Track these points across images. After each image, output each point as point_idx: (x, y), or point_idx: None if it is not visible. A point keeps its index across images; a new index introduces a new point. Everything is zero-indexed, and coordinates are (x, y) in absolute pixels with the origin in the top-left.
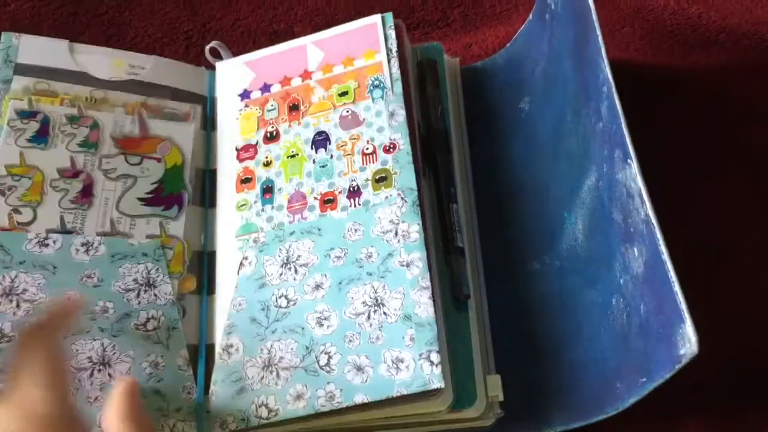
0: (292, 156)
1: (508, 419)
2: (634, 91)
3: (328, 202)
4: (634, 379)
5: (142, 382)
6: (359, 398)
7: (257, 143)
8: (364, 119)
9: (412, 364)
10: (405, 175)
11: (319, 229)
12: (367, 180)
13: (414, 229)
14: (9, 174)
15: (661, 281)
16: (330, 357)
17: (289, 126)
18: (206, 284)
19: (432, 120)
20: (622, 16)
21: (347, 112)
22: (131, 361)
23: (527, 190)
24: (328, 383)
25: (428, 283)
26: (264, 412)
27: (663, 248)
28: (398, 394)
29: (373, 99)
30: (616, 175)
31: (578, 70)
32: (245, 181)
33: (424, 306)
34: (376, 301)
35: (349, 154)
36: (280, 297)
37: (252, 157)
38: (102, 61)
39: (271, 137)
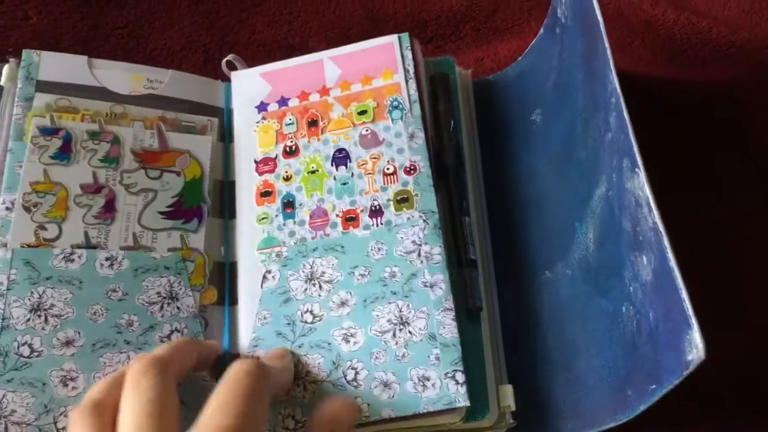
0: (313, 172)
1: (520, 428)
2: (645, 104)
3: (350, 219)
4: (644, 387)
5: None
6: (386, 413)
7: (276, 157)
8: (383, 139)
9: (438, 382)
10: (426, 197)
11: (342, 247)
12: (388, 200)
13: (436, 251)
14: (34, 191)
15: (670, 288)
16: (357, 372)
17: (309, 141)
18: (228, 295)
19: (444, 134)
20: (632, 30)
21: (367, 131)
22: None
23: (539, 200)
24: (356, 397)
25: (452, 305)
26: (291, 424)
27: (670, 255)
28: (425, 411)
29: (392, 120)
30: (625, 185)
31: (588, 83)
32: (265, 194)
33: (448, 327)
34: (401, 319)
35: (369, 173)
36: (305, 312)
37: (271, 171)
38: (120, 76)
39: (291, 152)
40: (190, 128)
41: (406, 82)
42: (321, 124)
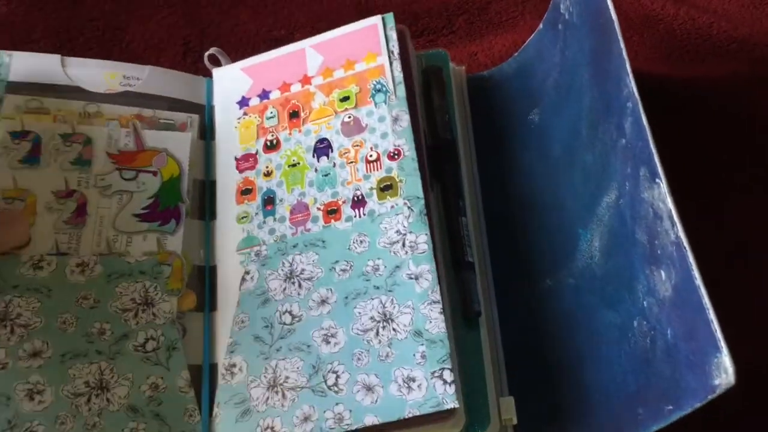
0: (294, 165)
1: None
2: (644, 101)
3: (331, 212)
4: (658, 406)
5: (141, 406)
6: (370, 420)
7: (257, 152)
8: (366, 125)
9: (424, 383)
10: (411, 182)
11: (323, 241)
12: (371, 189)
13: (422, 240)
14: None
15: (694, 307)
16: (338, 376)
17: (290, 134)
18: (208, 300)
19: (439, 129)
20: (630, 24)
21: (349, 117)
22: (130, 384)
23: (538, 204)
24: (337, 404)
25: (438, 297)
26: None
27: (696, 273)
28: (410, 415)
29: (375, 104)
30: (641, 194)
31: (597, 83)
32: (245, 192)
33: (434, 321)
34: (385, 316)
35: (352, 162)
36: (284, 313)
37: (252, 167)
38: (96, 74)
39: (272, 146)
40: (168, 125)
41: (390, 63)
42: (302, 114)
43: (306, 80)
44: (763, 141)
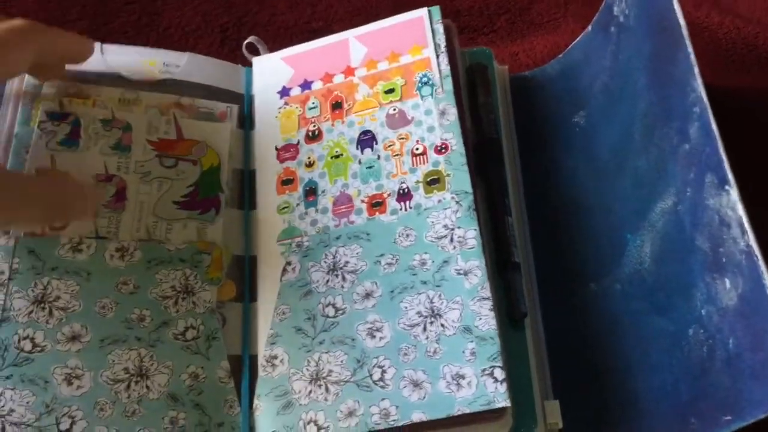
0: (336, 156)
1: None
2: None
3: (376, 205)
4: (715, 416)
5: (181, 395)
6: (417, 416)
7: (298, 143)
8: (412, 118)
9: (474, 380)
10: (459, 177)
11: (368, 234)
12: (417, 182)
13: (471, 235)
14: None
15: (763, 317)
16: (384, 371)
17: (332, 125)
18: (248, 290)
19: (484, 127)
20: None
21: (394, 110)
22: (170, 373)
23: (583, 207)
24: (383, 399)
25: (488, 294)
26: (313, 429)
27: None
28: (459, 413)
29: (421, 97)
30: (706, 201)
31: (656, 88)
32: (286, 182)
33: (485, 318)
34: (432, 311)
35: (397, 155)
36: (327, 306)
37: (293, 158)
38: (134, 61)
39: (313, 136)
40: (207, 115)
41: (437, 56)
42: (345, 106)
43: (349, 71)
44: None
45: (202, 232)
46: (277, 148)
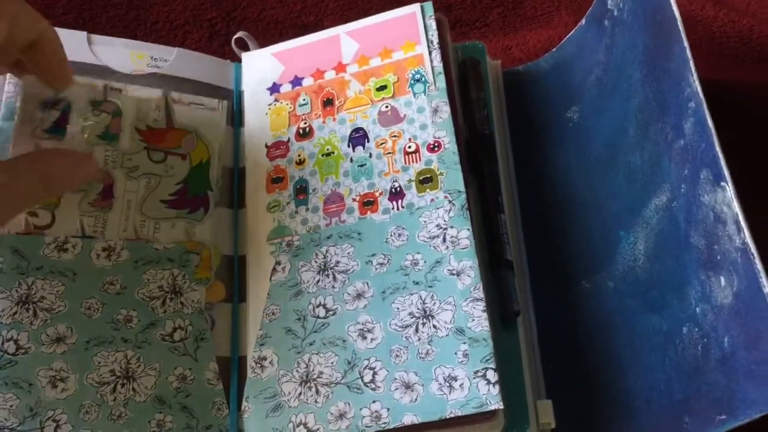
0: (327, 154)
1: None
2: None
3: (368, 204)
4: (708, 416)
5: (168, 398)
6: (408, 419)
7: (289, 140)
8: (404, 115)
9: (466, 382)
10: (451, 176)
11: (359, 233)
12: (410, 181)
13: (464, 235)
14: None
15: (759, 315)
16: (375, 373)
17: (324, 122)
18: (237, 291)
19: (477, 123)
20: None
21: (386, 107)
22: (157, 375)
23: (576, 204)
24: (374, 401)
25: (481, 295)
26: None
27: (764, 281)
28: (452, 415)
29: (414, 94)
30: (701, 197)
31: (650, 82)
32: (276, 180)
33: (477, 319)
34: (425, 312)
35: (389, 153)
36: (317, 306)
37: (283, 155)
38: (122, 54)
39: (304, 134)
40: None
41: (430, 53)
42: (337, 102)
43: (341, 68)
44: None
45: (190, 231)
46: (267, 146)
